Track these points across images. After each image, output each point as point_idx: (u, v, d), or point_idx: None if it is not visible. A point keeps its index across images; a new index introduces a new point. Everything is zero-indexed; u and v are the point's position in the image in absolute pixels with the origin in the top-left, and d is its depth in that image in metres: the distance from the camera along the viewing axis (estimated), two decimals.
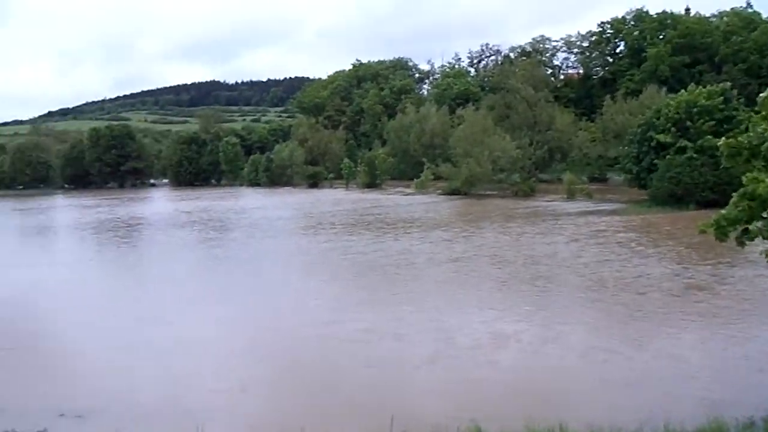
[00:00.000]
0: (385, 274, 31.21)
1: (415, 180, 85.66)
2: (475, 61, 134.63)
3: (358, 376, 17.15)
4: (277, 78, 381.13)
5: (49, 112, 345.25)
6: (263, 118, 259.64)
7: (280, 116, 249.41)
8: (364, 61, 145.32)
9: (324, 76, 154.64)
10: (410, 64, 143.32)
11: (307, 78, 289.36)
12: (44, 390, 16.88)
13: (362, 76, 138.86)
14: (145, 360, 18.78)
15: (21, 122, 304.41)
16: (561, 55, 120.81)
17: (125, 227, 57.82)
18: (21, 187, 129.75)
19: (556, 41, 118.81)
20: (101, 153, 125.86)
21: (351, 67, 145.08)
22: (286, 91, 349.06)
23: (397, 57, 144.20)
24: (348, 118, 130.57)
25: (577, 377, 16.43)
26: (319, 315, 23.43)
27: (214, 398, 15.81)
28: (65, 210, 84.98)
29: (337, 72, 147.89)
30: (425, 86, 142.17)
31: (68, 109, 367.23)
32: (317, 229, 50.17)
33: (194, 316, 24.55)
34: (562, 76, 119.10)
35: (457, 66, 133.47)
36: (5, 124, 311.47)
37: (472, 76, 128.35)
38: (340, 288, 28.75)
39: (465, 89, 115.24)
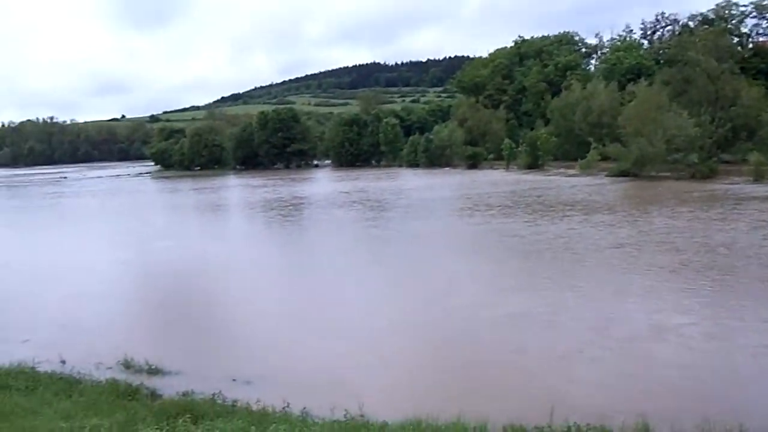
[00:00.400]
0: (542, 258, 30.32)
1: (579, 161, 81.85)
2: (648, 33, 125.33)
3: (509, 360, 16.90)
4: (437, 58, 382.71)
5: (222, 98, 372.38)
6: (422, 99, 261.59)
7: (439, 96, 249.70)
8: (527, 37, 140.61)
9: (484, 55, 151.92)
10: (576, 38, 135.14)
11: (467, 57, 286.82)
12: (220, 356, 18.36)
13: (525, 53, 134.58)
14: (309, 333, 19.94)
15: (197, 108, 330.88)
16: (750, 21, 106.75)
17: (290, 206, 60.78)
18: (198, 168, 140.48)
19: (745, 6, 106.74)
20: (269, 135, 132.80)
21: (513, 44, 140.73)
22: (445, 71, 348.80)
23: (562, 31, 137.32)
24: (509, 97, 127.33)
25: (745, 378, 15.02)
26: (472, 298, 23.28)
27: (370, 374, 16.42)
28: (237, 189, 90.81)
29: (498, 50, 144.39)
30: (592, 62, 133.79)
31: (239, 94, 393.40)
32: (474, 210, 49.55)
33: (350, 293, 25.52)
34: (750, 45, 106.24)
35: (628, 39, 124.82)
36: (184, 109, 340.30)
37: (645, 49, 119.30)
38: (495, 271, 28.38)
39: (637, 63, 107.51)
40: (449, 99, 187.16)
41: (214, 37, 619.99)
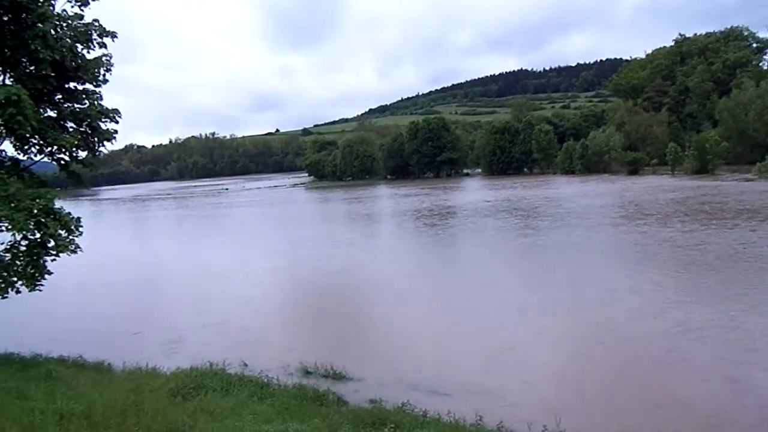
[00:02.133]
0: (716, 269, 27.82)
1: (758, 164, 75.05)
2: None
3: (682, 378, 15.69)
4: (587, 62, 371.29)
5: (370, 110, 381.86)
6: (573, 104, 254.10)
7: (590, 101, 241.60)
8: (689, 35, 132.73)
9: (641, 56, 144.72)
10: (745, 33, 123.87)
11: (620, 59, 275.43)
12: (393, 364, 18.18)
13: (687, 51, 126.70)
14: (475, 343, 19.62)
15: (346, 120, 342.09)
16: None
17: (444, 215, 60.41)
18: (349, 178, 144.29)
19: None
20: (419, 145, 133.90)
21: (673, 42, 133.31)
22: (596, 75, 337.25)
23: (729, 27, 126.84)
24: (670, 99, 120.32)
25: None
26: (634, 309, 21.99)
27: (523, 387, 15.88)
28: (388, 199, 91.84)
29: (657, 50, 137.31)
30: (766, 57, 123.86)
31: (386, 105, 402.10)
32: (638, 220, 46.68)
33: (499, 302, 24.89)
34: None
35: None
36: (333, 122, 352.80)
37: None
38: (665, 282, 26.29)
39: None
40: (602, 103, 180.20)
41: (363, 51, 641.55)
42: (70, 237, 16.52)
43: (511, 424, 13.02)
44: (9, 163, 17.89)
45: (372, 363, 18.28)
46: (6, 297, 16.14)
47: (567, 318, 21.97)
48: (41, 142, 17.95)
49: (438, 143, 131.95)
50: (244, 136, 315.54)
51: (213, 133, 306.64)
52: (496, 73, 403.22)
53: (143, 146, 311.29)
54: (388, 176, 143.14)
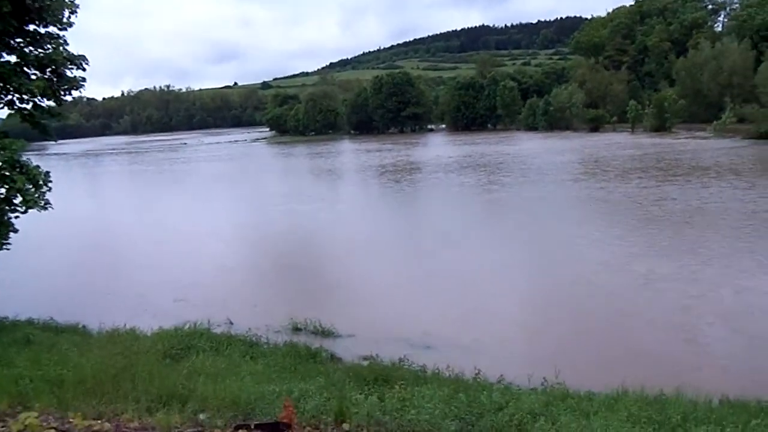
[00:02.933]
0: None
1: (714, 123, 76.53)
2: None
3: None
4: (548, 19, 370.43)
5: (331, 64, 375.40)
6: (533, 61, 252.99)
7: (551, 59, 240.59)
8: None
9: (601, 15, 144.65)
10: None
11: (581, 17, 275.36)
12: (382, 321, 17.75)
13: (646, 11, 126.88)
14: (459, 301, 19.41)
15: (306, 74, 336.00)
16: None
17: (408, 170, 60.04)
18: (312, 132, 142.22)
19: None
20: (383, 100, 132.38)
21: (634, 2, 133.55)
22: (557, 33, 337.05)
23: None
24: (630, 58, 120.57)
25: None
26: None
27: (505, 343, 15.95)
28: (356, 154, 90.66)
29: (617, 8, 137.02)
30: (720, 19, 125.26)
31: (347, 60, 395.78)
32: (601, 176, 46.95)
33: (471, 259, 24.77)
34: None
35: None
36: (294, 76, 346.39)
37: None
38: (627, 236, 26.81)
39: None
40: (561, 61, 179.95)
41: (326, 3, 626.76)
42: (39, 192, 15.46)
43: (510, 377, 12.69)
44: None
45: (355, 320, 17.85)
46: None
47: (537, 274, 22.31)
48: (2, 89, 16.72)
49: (402, 98, 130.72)
50: (201, 89, 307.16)
51: (168, 86, 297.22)
52: (458, 29, 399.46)
53: (93, 98, 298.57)
54: (352, 131, 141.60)
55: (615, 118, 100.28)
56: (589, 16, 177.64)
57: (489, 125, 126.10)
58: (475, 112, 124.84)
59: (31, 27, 16.75)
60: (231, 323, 17.84)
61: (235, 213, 40.64)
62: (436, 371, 13.02)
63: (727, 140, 68.00)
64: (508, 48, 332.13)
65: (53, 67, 16.84)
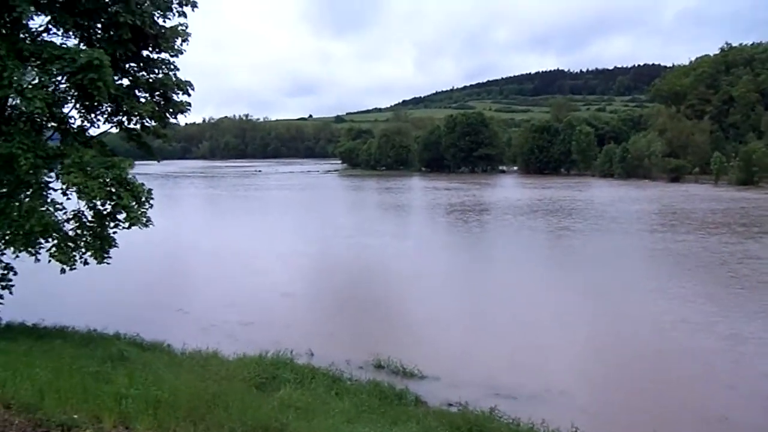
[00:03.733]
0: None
1: None
2: None
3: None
4: (624, 66, 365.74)
5: (404, 101, 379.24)
6: (608, 108, 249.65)
7: (626, 105, 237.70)
8: (735, 44, 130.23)
9: (680, 63, 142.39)
10: None
11: (659, 65, 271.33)
12: (466, 364, 17.30)
13: (732, 60, 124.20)
14: (546, 348, 18.70)
15: (380, 110, 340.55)
16: None
17: (480, 211, 59.43)
18: (384, 167, 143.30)
19: None
20: (456, 139, 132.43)
21: (719, 51, 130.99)
22: (633, 80, 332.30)
23: None
24: (713, 108, 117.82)
25: None
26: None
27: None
28: (424, 191, 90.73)
29: (701, 57, 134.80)
30: None
31: (420, 98, 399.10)
32: (692, 229, 45.25)
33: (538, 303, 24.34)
34: None
35: None
36: (367, 111, 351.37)
37: None
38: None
39: None
40: (638, 108, 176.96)
41: (403, 41, 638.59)
42: (142, 209, 15.81)
43: None
44: (75, 130, 17.16)
45: (434, 360, 17.39)
46: (74, 268, 15.49)
47: (609, 325, 21.50)
48: (113, 110, 17.28)
49: (475, 138, 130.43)
50: (277, 120, 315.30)
51: (246, 115, 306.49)
52: (533, 72, 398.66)
53: (177, 123, 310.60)
54: (423, 168, 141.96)
55: (697, 169, 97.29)
56: (668, 64, 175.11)
57: (562, 170, 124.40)
58: (549, 156, 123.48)
59: (145, 53, 17.38)
60: (312, 354, 17.70)
61: (305, 241, 40.86)
62: (530, 425, 12.48)
63: None
64: (582, 93, 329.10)
65: (162, 91, 17.37)
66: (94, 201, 14.92)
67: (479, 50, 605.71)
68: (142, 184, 16.03)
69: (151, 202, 16.23)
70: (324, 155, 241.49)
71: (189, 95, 18.00)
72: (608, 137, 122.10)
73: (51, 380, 8.78)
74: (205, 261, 34.36)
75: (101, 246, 15.92)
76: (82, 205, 15.92)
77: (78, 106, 16.59)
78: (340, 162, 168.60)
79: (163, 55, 17.49)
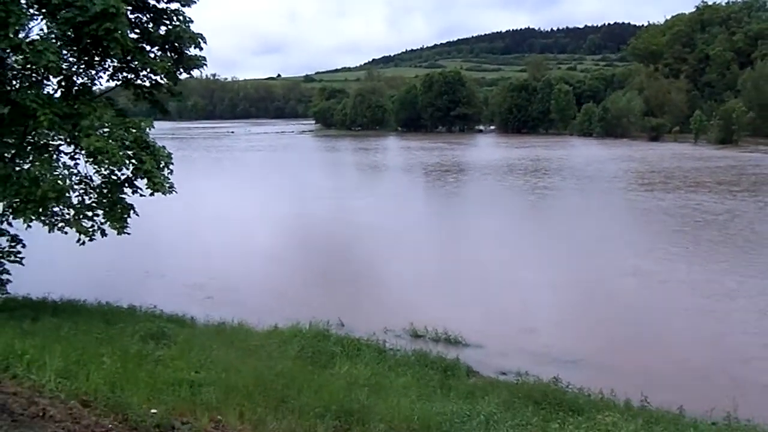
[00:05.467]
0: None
1: None
2: None
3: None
4: (595, 24, 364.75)
5: (373, 60, 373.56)
6: (579, 66, 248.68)
7: (597, 65, 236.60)
8: (710, 2, 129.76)
9: (651, 21, 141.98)
10: None
11: (629, 24, 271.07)
12: (499, 327, 16.92)
13: (708, 19, 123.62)
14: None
15: (349, 69, 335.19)
16: None
17: (463, 170, 58.77)
18: (359, 127, 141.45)
19: None
20: (433, 98, 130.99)
21: (694, 9, 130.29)
22: (603, 39, 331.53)
23: None
24: (689, 67, 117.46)
25: None
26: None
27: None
28: (406, 151, 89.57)
29: (676, 16, 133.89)
30: None
31: (390, 56, 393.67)
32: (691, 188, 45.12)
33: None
34: None
35: None
36: (336, 70, 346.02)
37: None
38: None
39: None
40: (609, 67, 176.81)
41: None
42: (164, 175, 14.55)
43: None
44: (79, 87, 15.64)
45: (473, 325, 16.77)
46: (93, 238, 14.23)
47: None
48: (117, 66, 15.84)
49: (453, 97, 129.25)
50: (245, 80, 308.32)
51: (214, 75, 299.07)
52: (503, 30, 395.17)
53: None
54: (399, 128, 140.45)
55: (677, 128, 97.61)
56: (639, 23, 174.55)
57: (541, 129, 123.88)
58: (527, 115, 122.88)
59: (152, 2, 15.86)
60: (342, 324, 16.83)
61: (291, 204, 40.27)
62: (599, 395, 11.82)
63: None
64: (553, 52, 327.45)
65: (176, 44, 15.93)
66: (115, 166, 13.57)
67: (451, 8, 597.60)
68: (164, 147, 14.77)
69: (171, 167, 14.95)
70: (294, 115, 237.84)
71: (201, 49, 16.56)
72: (585, 96, 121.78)
73: (118, 369, 7.72)
74: (185, 228, 32.78)
75: (120, 214, 14.64)
76: (93, 170, 14.69)
77: (83, 60, 15.06)
78: (314, 122, 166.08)
79: (173, 5, 16.00)
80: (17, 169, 13.64)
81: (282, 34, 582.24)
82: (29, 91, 13.21)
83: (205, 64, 16.54)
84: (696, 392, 12.60)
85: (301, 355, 12.41)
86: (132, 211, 14.78)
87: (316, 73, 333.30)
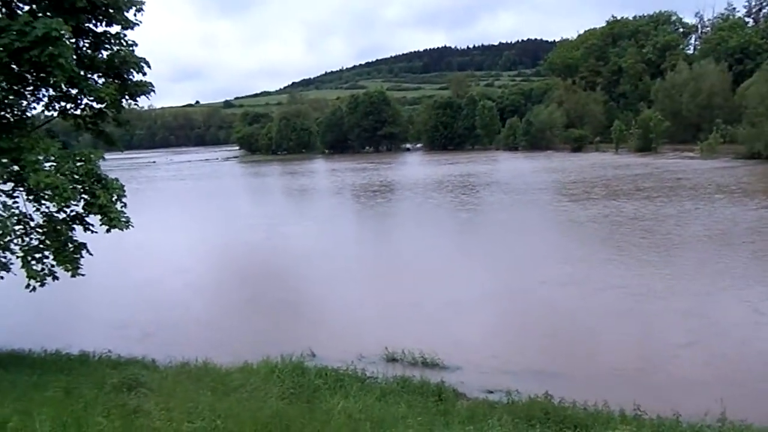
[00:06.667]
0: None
1: (700, 143, 77.43)
2: (754, 11, 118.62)
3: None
4: (509, 41, 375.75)
5: (293, 83, 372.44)
6: (496, 83, 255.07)
7: (513, 80, 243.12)
8: (619, 17, 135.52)
9: (564, 37, 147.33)
10: (673, 18, 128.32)
11: (542, 40, 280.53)
12: (466, 347, 16.38)
13: (618, 33, 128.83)
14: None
15: (268, 93, 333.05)
16: None
17: (392, 190, 58.76)
18: (285, 152, 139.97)
19: None
20: (359, 119, 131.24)
21: (605, 24, 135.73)
22: (518, 54, 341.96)
23: (658, 11, 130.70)
24: (604, 79, 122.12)
25: None
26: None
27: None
28: (331, 174, 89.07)
29: (589, 30, 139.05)
30: (692, 42, 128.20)
31: (310, 79, 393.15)
32: (616, 196, 46.39)
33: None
34: None
35: (731, 17, 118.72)
36: (256, 95, 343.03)
37: (751, 28, 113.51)
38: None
39: (745, 41, 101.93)
40: (525, 82, 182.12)
41: (291, 21, 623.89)
42: (120, 209, 13.56)
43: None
44: (13, 119, 14.50)
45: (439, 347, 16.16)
46: (44, 284, 13.06)
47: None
48: (55, 95, 14.84)
49: (378, 117, 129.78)
50: (162, 108, 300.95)
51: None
52: (421, 49, 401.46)
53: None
54: (326, 150, 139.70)
55: (598, 139, 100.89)
56: (551, 39, 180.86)
57: (467, 145, 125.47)
58: (453, 132, 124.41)
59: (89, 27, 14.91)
60: (313, 355, 16.12)
61: (219, 233, 39.42)
62: (594, 408, 11.60)
63: (717, 160, 68.38)
64: (470, 69, 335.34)
65: (121, 70, 15.00)
66: (66, 202, 12.51)
67: (369, 29, 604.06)
68: (116, 179, 13.79)
69: (124, 200, 13.97)
70: (216, 142, 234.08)
71: (145, 74, 15.65)
72: (507, 111, 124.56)
73: (117, 429, 6.87)
74: (111, 263, 31.09)
75: (72, 254, 13.54)
76: (33, 208, 13.62)
77: (14, 89, 13.91)
78: (237, 148, 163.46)
79: (114, 29, 15.06)
80: None
81: (198, 59, 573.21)
82: None
83: (153, 90, 15.61)
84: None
85: (284, 392, 11.64)
86: (85, 250, 13.77)
87: (236, 98, 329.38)
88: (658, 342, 16.76)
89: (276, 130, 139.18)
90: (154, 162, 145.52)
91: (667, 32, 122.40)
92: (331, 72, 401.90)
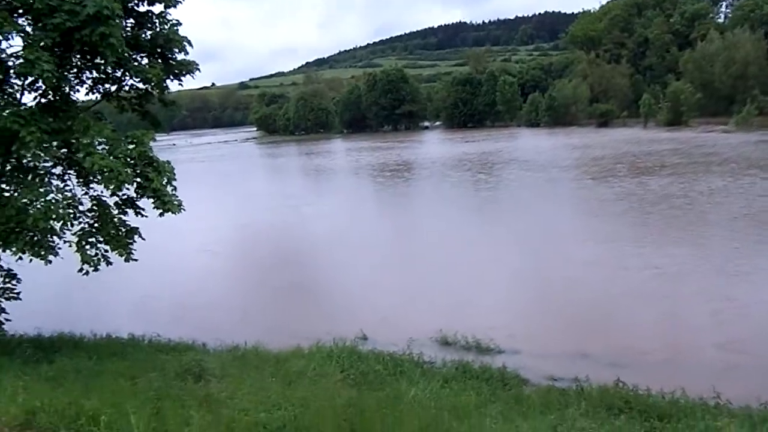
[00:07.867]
0: None
1: (734, 116, 75.26)
2: None
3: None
4: (526, 15, 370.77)
5: (307, 63, 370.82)
6: (513, 58, 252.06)
7: (530, 55, 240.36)
8: None
9: (585, 9, 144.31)
10: None
11: (560, 13, 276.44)
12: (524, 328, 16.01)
13: (643, 3, 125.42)
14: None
15: (283, 74, 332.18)
16: None
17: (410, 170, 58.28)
18: (303, 132, 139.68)
19: None
20: (377, 97, 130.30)
21: None
22: (536, 28, 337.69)
23: None
24: (629, 51, 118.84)
25: None
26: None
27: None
28: (350, 153, 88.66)
29: (612, 1, 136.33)
30: (722, 10, 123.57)
31: (324, 59, 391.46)
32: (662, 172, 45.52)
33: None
34: None
35: None
36: (270, 76, 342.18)
37: None
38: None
39: None
40: (543, 57, 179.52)
41: (304, 1, 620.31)
42: (173, 192, 13.25)
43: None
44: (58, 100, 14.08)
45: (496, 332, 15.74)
46: (98, 269, 12.82)
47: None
48: (105, 76, 14.44)
49: (396, 95, 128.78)
50: (179, 90, 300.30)
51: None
52: (435, 26, 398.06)
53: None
54: (344, 130, 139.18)
55: (625, 113, 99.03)
56: (570, 11, 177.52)
57: (488, 122, 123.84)
58: (473, 109, 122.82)
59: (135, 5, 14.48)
60: (366, 338, 15.84)
61: (251, 213, 39.32)
62: (671, 395, 11.09)
63: (750, 134, 66.14)
64: (486, 44, 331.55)
65: (164, 50, 14.58)
66: (121, 186, 12.22)
67: (383, 6, 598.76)
68: (168, 162, 13.46)
69: (174, 183, 13.63)
70: (232, 123, 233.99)
71: (187, 53, 15.23)
72: (528, 86, 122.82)
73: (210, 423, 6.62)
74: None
75: (125, 239, 13.30)
76: (82, 192, 13.37)
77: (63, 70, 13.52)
78: (255, 129, 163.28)
79: (156, 8, 14.62)
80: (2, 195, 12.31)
81: (214, 41, 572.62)
82: (4, 112, 11.82)
83: (198, 69, 15.18)
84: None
85: (346, 378, 11.39)
86: (137, 235, 13.55)
87: (251, 79, 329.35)
88: (704, 326, 16.02)
89: (293, 110, 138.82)
90: (174, 144, 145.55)
91: (695, 1, 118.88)
92: (345, 51, 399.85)
